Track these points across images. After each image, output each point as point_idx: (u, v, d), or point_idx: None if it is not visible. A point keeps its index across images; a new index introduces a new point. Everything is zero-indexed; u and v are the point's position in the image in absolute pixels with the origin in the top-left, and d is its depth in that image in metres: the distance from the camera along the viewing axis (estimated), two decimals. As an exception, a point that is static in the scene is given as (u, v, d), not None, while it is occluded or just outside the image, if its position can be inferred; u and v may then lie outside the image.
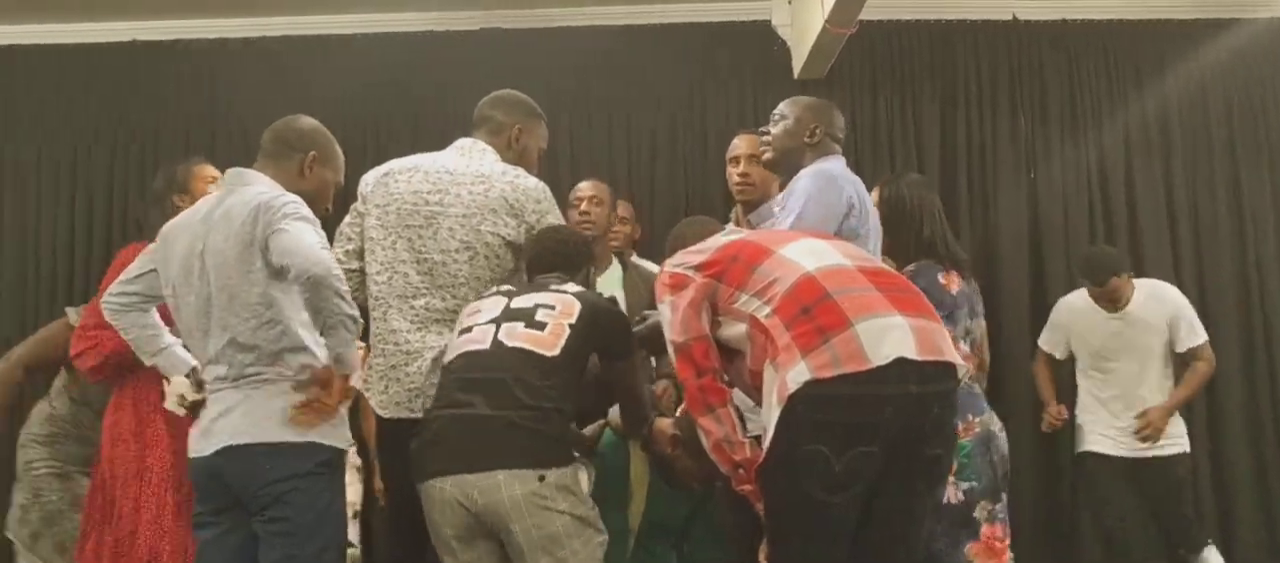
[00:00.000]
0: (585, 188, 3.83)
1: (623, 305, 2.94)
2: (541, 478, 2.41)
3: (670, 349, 2.42)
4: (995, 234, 4.80)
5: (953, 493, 3.01)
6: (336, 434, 2.52)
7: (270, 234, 2.40)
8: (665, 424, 2.82)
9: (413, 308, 2.86)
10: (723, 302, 2.36)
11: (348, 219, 3.04)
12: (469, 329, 2.65)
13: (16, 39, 4.90)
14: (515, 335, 2.56)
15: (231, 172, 2.67)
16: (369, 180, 3.01)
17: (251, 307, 2.43)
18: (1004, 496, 3.14)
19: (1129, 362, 4.16)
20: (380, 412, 2.90)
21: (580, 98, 4.85)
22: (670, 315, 2.40)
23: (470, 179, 2.92)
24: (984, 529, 3.06)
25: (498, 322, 2.61)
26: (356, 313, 2.45)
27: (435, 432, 2.54)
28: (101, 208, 4.83)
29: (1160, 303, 4.21)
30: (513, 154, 3.04)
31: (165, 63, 4.89)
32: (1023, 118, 4.91)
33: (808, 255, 2.32)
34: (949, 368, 2.23)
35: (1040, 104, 4.93)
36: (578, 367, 2.61)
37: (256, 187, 2.55)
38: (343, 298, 2.38)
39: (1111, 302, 4.17)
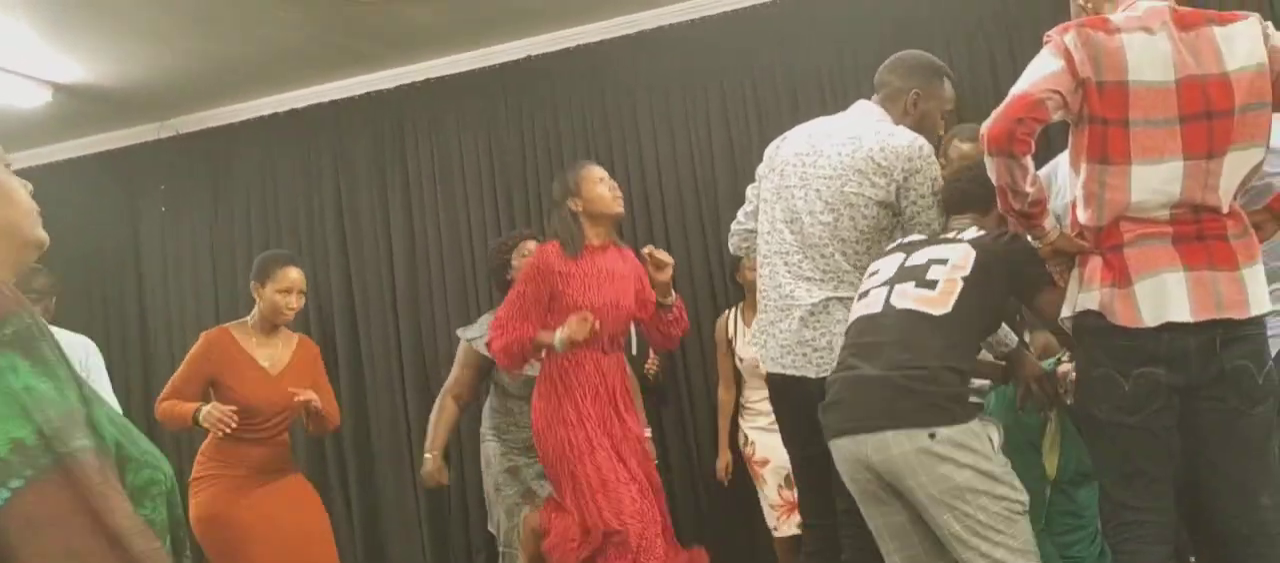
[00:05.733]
0: None
1: None
2: (932, 435, 2.41)
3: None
4: None
5: None
6: None
7: None
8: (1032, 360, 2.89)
9: (788, 263, 2.93)
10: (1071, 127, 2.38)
11: (753, 184, 3.20)
12: (866, 293, 2.68)
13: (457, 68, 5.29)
14: (905, 297, 2.57)
15: None
16: (771, 145, 3.14)
17: None
18: None
19: None
20: (764, 367, 3.05)
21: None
22: (1036, 65, 2.35)
23: (842, 139, 2.89)
24: None
25: (891, 283, 2.62)
26: None
27: (833, 394, 2.61)
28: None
29: None
30: (910, 119, 2.94)
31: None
32: None
33: (1140, 186, 2.33)
34: (1227, 323, 2.30)
35: None
36: (975, 321, 2.58)
37: None
38: None
39: None
